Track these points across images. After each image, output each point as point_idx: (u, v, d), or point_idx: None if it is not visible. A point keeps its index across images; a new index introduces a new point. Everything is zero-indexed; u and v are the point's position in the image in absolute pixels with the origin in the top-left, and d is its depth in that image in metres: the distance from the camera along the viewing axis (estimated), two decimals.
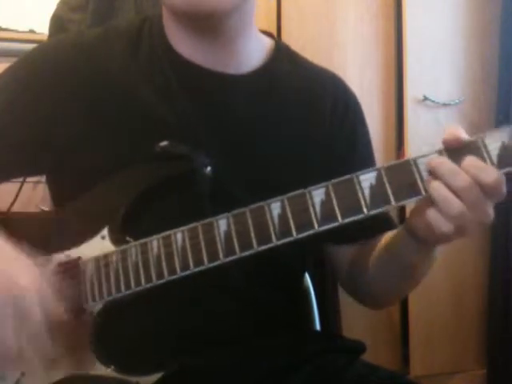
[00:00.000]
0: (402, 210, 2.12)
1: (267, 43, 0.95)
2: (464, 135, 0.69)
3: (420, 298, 2.12)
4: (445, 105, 2.13)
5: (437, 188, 0.68)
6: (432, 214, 0.70)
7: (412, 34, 2.10)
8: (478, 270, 2.22)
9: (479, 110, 2.19)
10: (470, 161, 0.67)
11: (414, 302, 2.13)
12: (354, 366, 0.92)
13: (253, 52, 0.91)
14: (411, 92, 2.10)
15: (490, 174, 0.67)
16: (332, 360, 0.92)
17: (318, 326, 1.13)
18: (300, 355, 0.90)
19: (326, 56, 2.05)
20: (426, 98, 2.10)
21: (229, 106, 0.88)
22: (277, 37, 1.97)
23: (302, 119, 0.92)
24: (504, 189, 0.70)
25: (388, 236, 0.90)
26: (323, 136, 0.93)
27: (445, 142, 0.69)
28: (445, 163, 0.68)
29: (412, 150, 2.03)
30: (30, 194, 1.78)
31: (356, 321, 1.98)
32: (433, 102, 2.11)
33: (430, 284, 2.12)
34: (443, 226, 0.70)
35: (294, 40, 1.98)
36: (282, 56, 0.95)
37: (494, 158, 0.67)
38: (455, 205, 0.68)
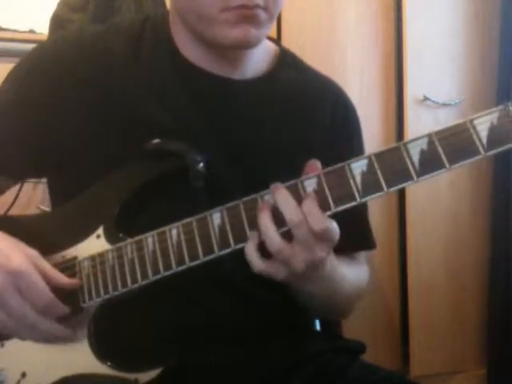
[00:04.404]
0: (401, 203, 2.12)
1: (271, 49, 0.96)
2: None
3: (420, 298, 2.13)
4: (445, 105, 2.13)
5: (265, 222, 0.71)
6: (248, 246, 0.72)
7: (412, 34, 2.10)
8: (478, 270, 2.22)
9: (479, 110, 2.16)
10: (307, 202, 0.70)
11: (413, 301, 2.13)
12: (354, 366, 0.92)
13: (258, 59, 0.92)
14: (411, 92, 2.10)
15: (320, 222, 0.70)
16: (332, 360, 0.92)
17: (317, 327, 1.13)
18: (300, 355, 0.90)
19: (326, 56, 2.05)
20: (426, 98, 2.10)
21: (230, 107, 0.88)
22: (277, 36, 1.98)
23: (301, 122, 0.93)
24: (335, 236, 0.72)
25: None
26: (322, 139, 0.93)
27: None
28: (284, 194, 0.71)
29: None
30: (30, 195, 1.78)
31: (356, 321, 1.98)
32: (433, 102, 2.11)
33: (430, 284, 2.13)
34: (256, 260, 0.72)
35: (294, 40, 1.98)
36: (287, 63, 0.96)
37: (484, 139, 0.67)
38: (277, 241, 0.70)
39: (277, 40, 1.00)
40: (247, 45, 0.83)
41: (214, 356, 0.85)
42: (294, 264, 0.72)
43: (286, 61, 0.96)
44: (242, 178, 0.86)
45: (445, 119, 2.12)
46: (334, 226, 0.71)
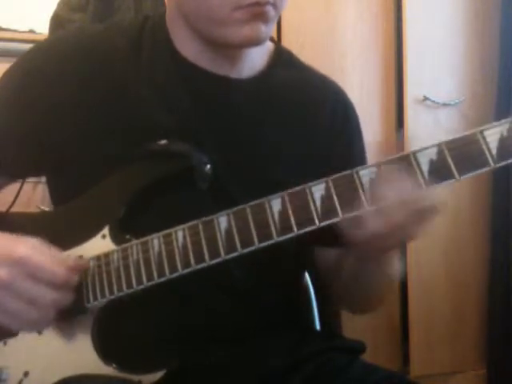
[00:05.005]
0: None
1: (269, 47, 0.96)
2: None
3: (420, 298, 2.13)
4: (445, 105, 2.13)
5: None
6: (367, 213, 0.70)
7: (412, 34, 2.10)
8: (478, 270, 2.22)
9: (479, 110, 2.19)
10: (408, 184, 0.69)
11: (413, 301, 2.13)
12: (354, 365, 0.92)
13: (255, 57, 0.92)
14: (411, 92, 2.10)
15: (426, 199, 0.69)
16: (332, 360, 0.92)
17: (318, 326, 1.13)
18: (300, 355, 0.90)
19: (326, 56, 2.05)
20: (426, 98, 2.10)
21: (230, 107, 0.88)
22: (276, 37, 1.98)
23: (301, 121, 0.93)
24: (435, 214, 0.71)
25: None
26: (322, 138, 0.93)
27: None
28: (386, 176, 0.70)
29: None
30: (30, 194, 1.78)
31: (356, 321, 1.98)
32: (433, 102, 2.11)
33: (430, 284, 2.13)
34: (375, 224, 0.70)
35: (294, 39, 1.98)
36: (283, 61, 0.95)
37: (494, 151, 0.67)
38: (395, 214, 0.69)
39: (274, 38, 1.00)
40: (257, 42, 0.83)
41: (214, 356, 0.85)
42: (390, 241, 0.72)
43: (282, 59, 0.95)
44: (242, 178, 0.86)
45: (445, 119, 2.12)
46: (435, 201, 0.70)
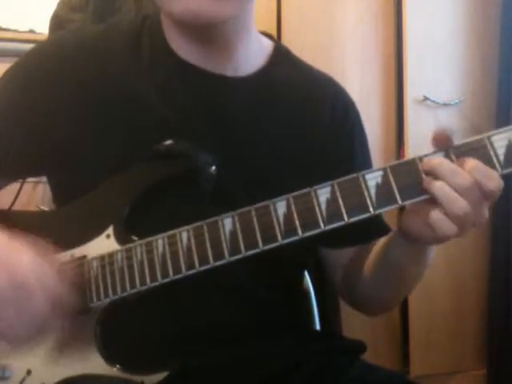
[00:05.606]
0: (402, 209, 2.12)
1: (267, 45, 0.95)
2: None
3: (420, 298, 2.12)
4: (445, 105, 2.13)
5: (441, 188, 0.68)
6: (435, 215, 0.69)
7: (412, 34, 2.10)
8: (478, 270, 2.22)
9: (479, 110, 2.19)
10: (473, 163, 0.68)
11: (414, 301, 2.13)
12: (354, 366, 0.92)
13: (252, 54, 0.91)
14: (411, 92, 2.10)
15: (494, 179, 0.67)
16: (332, 360, 0.92)
17: (318, 326, 1.13)
18: (300, 355, 0.90)
19: (326, 56, 2.05)
20: (426, 98, 2.10)
21: (228, 106, 0.88)
22: (276, 37, 1.98)
23: (301, 120, 0.92)
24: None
25: (380, 241, 0.90)
26: (322, 137, 0.93)
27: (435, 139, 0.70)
28: (444, 163, 0.68)
29: (412, 150, 2.03)
30: (30, 194, 1.78)
31: (356, 321, 1.98)
32: (433, 102, 2.11)
33: (430, 284, 2.13)
34: (446, 226, 0.69)
35: (294, 40, 1.98)
36: (282, 58, 0.95)
37: (501, 157, 0.67)
38: (461, 204, 0.68)
39: (273, 37, 0.99)
40: (205, 17, 0.77)
41: (215, 357, 0.85)
42: (468, 226, 0.70)
43: (280, 56, 0.95)
44: (241, 177, 0.86)
45: (445, 119, 2.12)
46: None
